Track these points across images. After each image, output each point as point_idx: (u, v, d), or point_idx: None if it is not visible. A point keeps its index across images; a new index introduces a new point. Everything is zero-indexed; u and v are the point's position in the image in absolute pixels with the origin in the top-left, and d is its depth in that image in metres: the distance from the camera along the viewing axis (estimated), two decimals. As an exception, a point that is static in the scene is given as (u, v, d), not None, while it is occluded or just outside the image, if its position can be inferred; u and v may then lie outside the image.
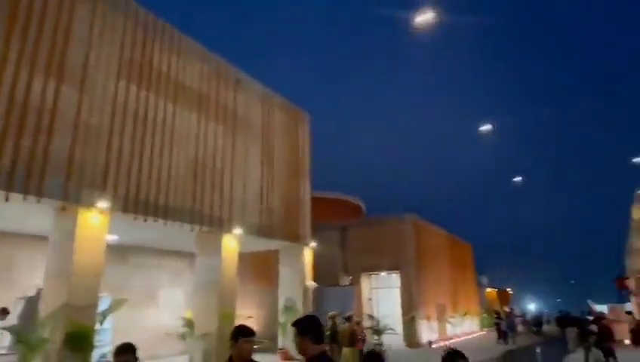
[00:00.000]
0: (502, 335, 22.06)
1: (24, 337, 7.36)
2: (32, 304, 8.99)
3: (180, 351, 13.36)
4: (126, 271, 14.17)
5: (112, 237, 11.54)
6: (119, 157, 9.09)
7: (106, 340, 9.67)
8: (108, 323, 9.98)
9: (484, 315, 31.27)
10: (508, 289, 48.02)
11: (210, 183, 11.36)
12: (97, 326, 8.45)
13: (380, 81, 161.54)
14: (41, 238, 10.04)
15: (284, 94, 15.36)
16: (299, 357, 2.71)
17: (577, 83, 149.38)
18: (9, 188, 7.25)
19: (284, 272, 14.77)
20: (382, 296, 22.00)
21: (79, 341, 7.58)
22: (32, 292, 9.71)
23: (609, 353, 12.09)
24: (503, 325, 22.41)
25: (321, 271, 17.19)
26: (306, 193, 15.61)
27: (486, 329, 29.44)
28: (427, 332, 20.12)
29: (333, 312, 12.29)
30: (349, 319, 11.24)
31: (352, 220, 25.32)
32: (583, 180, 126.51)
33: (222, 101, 12.28)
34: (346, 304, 17.47)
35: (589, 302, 29.51)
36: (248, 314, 14.34)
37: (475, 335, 26.59)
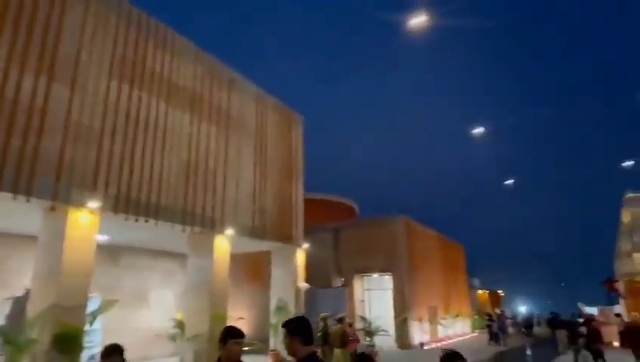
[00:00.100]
0: (493, 337, 22.22)
1: (12, 338, 7.26)
2: (20, 304, 8.87)
3: (171, 352, 13.27)
4: (117, 271, 14.07)
5: (102, 238, 11.45)
6: (110, 157, 9.01)
7: (95, 341, 9.58)
8: (98, 324, 9.88)
9: (476, 317, 31.44)
10: (499, 291, 48.31)
11: (202, 184, 11.31)
12: (87, 327, 8.36)
13: (375, 82, 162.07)
14: (32, 238, 9.93)
15: (278, 95, 15.36)
16: (290, 358, 2.70)
17: (570, 86, 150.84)
18: (-2, 187, 7.16)
19: (277, 273, 14.73)
20: (374, 298, 22.04)
21: (68, 342, 7.49)
22: (20, 293, 9.59)
23: (598, 355, 12.22)
24: (494, 327, 22.57)
25: (313, 273, 17.19)
26: (299, 194, 15.61)
27: (477, 330, 29.60)
28: (419, 333, 20.18)
29: (325, 314, 12.29)
30: (340, 320, 11.24)
31: (345, 222, 25.36)
32: (574, 184, 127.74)
33: (215, 101, 12.24)
34: (339, 305, 17.49)
35: (580, 304, 29.79)
36: (240, 316, 14.27)
37: (466, 337, 26.71)
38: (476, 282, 39.25)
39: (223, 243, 11.80)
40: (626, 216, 25.86)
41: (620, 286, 23.47)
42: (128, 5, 10.05)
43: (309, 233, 16.41)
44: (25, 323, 7.68)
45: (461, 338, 25.03)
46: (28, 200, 7.60)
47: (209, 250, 11.44)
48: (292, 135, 15.78)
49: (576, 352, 14.42)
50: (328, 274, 21.04)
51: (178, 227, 10.55)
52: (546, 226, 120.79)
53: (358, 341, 12.06)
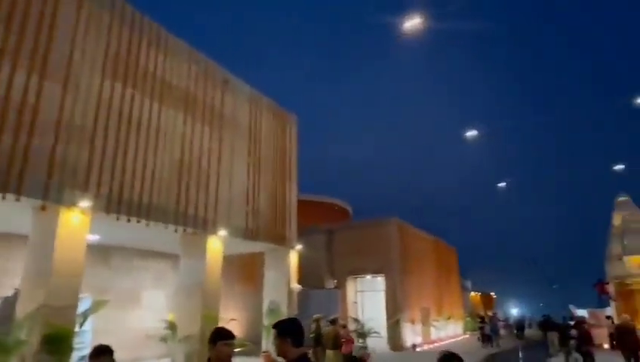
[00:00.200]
0: (486, 339, 22.34)
1: (0, 339, 7.17)
2: (9, 305, 8.77)
3: (162, 353, 13.19)
4: (108, 272, 13.96)
5: (93, 237, 11.37)
6: (102, 157, 8.94)
7: (86, 342, 9.48)
8: (88, 325, 9.80)
9: (468, 319, 31.56)
10: (491, 294, 48.57)
11: (195, 184, 11.26)
12: (77, 328, 8.28)
13: (371, 83, 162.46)
14: (23, 237, 9.82)
15: (273, 95, 15.34)
16: (281, 359, 2.69)
17: (564, 89, 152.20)
18: (-13, 185, 7.08)
19: (269, 275, 14.69)
20: (367, 299, 22.06)
21: (57, 343, 7.41)
22: (9, 293, 9.48)
23: (588, 356, 12.31)
24: (486, 329, 22.68)
25: (306, 274, 17.17)
26: (293, 195, 15.58)
27: (469, 332, 29.70)
28: (411, 335, 20.22)
29: (318, 315, 12.27)
30: (333, 322, 11.22)
31: (338, 223, 25.36)
32: (567, 187, 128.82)
33: (209, 101, 12.19)
34: (331, 307, 17.48)
35: (571, 306, 29.99)
36: (232, 317, 14.22)
37: (458, 338, 26.80)
38: (468, 284, 39.43)
39: (216, 244, 11.75)
40: (617, 219, 26.08)
41: (611, 288, 23.65)
42: (122, 3, 9.99)
43: (303, 234, 16.38)
44: (14, 324, 7.59)
45: (453, 340, 25.11)
46: (18, 200, 7.51)
47: (201, 250, 11.39)
48: (286, 136, 15.76)
49: (567, 354, 14.53)
50: (321, 276, 21.02)
51: (170, 227, 10.49)
52: (538, 229, 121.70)
53: (352, 342, 12.06)
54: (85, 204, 8.32)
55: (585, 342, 12.62)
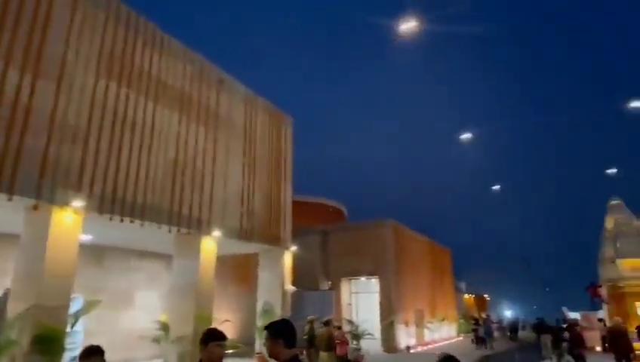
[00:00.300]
0: (480, 341, 22.43)
1: (-10, 339, 7.10)
2: None
3: (155, 354, 13.12)
4: (101, 272, 13.88)
5: (86, 237, 11.29)
6: (96, 156, 8.88)
7: (77, 342, 9.42)
8: (80, 326, 9.73)
9: (462, 321, 31.63)
10: (485, 296, 48.74)
11: (189, 184, 11.21)
12: (68, 329, 8.21)
13: (366, 85, 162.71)
14: (15, 237, 9.73)
15: (269, 96, 15.32)
16: (273, 361, 2.67)
17: (558, 93, 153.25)
18: (-21, 184, 7.02)
19: (264, 276, 14.66)
20: (361, 301, 22.06)
21: (48, 343, 7.35)
22: None
23: (580, 359, 12.38)
24: (480, 331, 22.77)
25: (301, 275, 17.14)
26: (288, 196, 15.56)
27: (463, 334, 29.77)
28: (405, 337, 20.23)
29: (312, 316, 12.27)
30: (327, 323, 11.21)
31: (333, 225, 25.35)
32: (560, 190, 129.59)
33: (204, 101, 12.16)
34: (325, 308, 17.45)
35: (564, 309, 30.15)
36: (226, 318, 14.15)
37: (452, 340, 26.86)
38: (462, 286, 39.54)
39: (210, 245, 11.71)
40: (609, 223, 26.26)
41: (603, 291, 23.80)
42: (117, 3, 9.94)
43: (297, 235, 16.35)
44: (4, 324, 7.52)
45: (447, 342, 25.16)
46: (10, 199, 7.45)
47: (195, 251, 11.34)
48: (281, 136, 15.74)
49: (560, 356, 14.61)
50: (316, 277, 21.00)
51: (164, 228, 10.44)
52: (532, 231, 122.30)
53: (347, 343, 12.06)
54: (78, 203, 8.26)
55: (577, 345, 12.70)
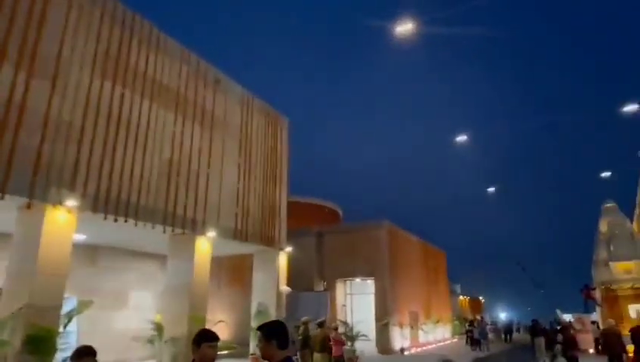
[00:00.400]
0: (475, 343, 22.53)
1: (-19, 339, 7.03)
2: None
3: (149, 355, 13.04)
4: (94, 272, 13.79)
5: (80, 237, 11.22)
6: (90, 155, 8.83)
7: (70, 343, 9.33)
8: (73, 326, 9.65)
9: (456, 323, 31.69)
10: (480, 298, 48.89)
11: (184, 184, 11.17)
12: (61, 329, 8.15)
13: (362, 88, 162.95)
14: (8, 236, 9.65)
15: (265, 97, 15.30)
16: (266, 362, 2.66)
17: (552, 97, 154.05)
18: (-29, 183, 6.95)
19: (258, 276, 14.62)
20: (356, 302, 22.05)
21: (40, 343, 7.29)
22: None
23: (573, 361, 12.43)
24: (475, 333, 22.86)
25: (296, 276, 17.11)
26: (283, 197, 15.54)
27: (457, 336, 29.84)
28: (400, 338, 20.24)
29: (306, 318, 12.24)
30: (321, 324, 11.19)
31: (328, 226, 25.34)
32: (555, 193, 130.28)
33: (200, 101, 12.12)
34: (320, 309, 17.42)
35: (558, 311, 30.30)
36: (220, 319, 14.13)
37: (447, 342, 26.90)
38: (457, 288, 39.64)
39: (205, 245, 11.66)
40: (603, 226, 26.44)
41: (597, 294, 23.94)
42: (113, 2, 9.90)
43: (293, 236, 16.33)
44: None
45: (441, 344, 25.20)
46: (2, 198, 7.38)
47: (190, 251, 11.29)
48: (277, 137, 15.72)
49: (553, 358, 14.66)
50: (311, 278, 20.97)
51: (158, 228, 10.39)
52: (526, 234, 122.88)
53: (343, 344, 12.05)
54: (72, 202, 8.20)
55: (570, 347, 12.76)
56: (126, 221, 9.50)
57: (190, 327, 10.47)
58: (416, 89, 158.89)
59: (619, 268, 24.34)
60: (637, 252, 24.47)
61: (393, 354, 18.94)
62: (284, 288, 14.70)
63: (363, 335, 16.63)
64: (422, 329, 23.52)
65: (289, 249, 15.27)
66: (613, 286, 23.35)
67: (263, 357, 2.63)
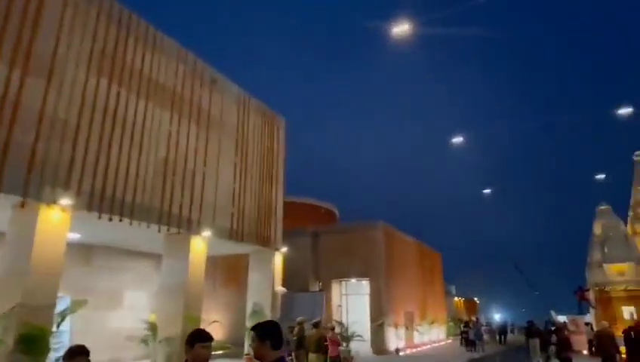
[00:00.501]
0: (470, 344, 22.61)
1: (-27, 338, 6.98)
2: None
3: (143, 354, 12.99)
4: (89, 271, 13.72)
5: (74, 236, 11.17)
6: (85, 153, 8.78)
7: (64, 342, 9.29)
8: (67, 325, 9.61)
9: (451, 324, 31.77)
10: (475, 299, 49.04)
11: (180, 184, 11.13)
12: (54, 328, 8.10)
13: (360, 87, 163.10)
14: (0, 234, 9.60)
15: (262, 97, 15.28)
16: (258, 362, 2.65)
17: (548, 99, 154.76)
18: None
19: (254, 277, 14.59)
20: (351, 303, 22.06)
21: (33, 343, 7.24)
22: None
23: (567, 362, 12.49)
24: (470, 334, 22.94)
25: (291, 276, 17.09)
26: (279, 197, 15.52)
27: (452, 337, 29.91)
28: (395, 339, 20.26)
29: (301, 318, 12.24)
30: (316, 325, 11.19)
31: (324, 226, 25.34)
32: (550, 195, 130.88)
33: (196, 101, 12.09)
34: (315, 310, 17.43)
35: (552, 312, 30.44)
36: (215, 319, 14.08)
37: (442, 343, 26.95)
38: (452, 289, 39.74)
39: (200, 245, 11.63)
40: (597, 228, 26.58)
41: (591, 295, 24.08)
42: (109, 0, 9.86)
43: (288, 236, 16.31)
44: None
45: (436, 345, 25.25)
46: (-4, 196, 7.34)
47: (185, 251, 11.25)
48: (274, 137, 15.71)
49: (547, 359, 14.73)
50: (306, 278, 20.96)
51: (154, 227, 10.35)
52: (521, 236, 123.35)
53: (339, 344, 12.08)
54: (66, 201, 8.16)
55: (564, 348, 12.81)
56: (121, 220, 9.46)
57: (185, 327, 10.44)
58: (413, 89, 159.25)
59: (612, 270, 24.49)
60: (630, 254, 24.64)
61: (388, 355, 18.96)
62: (280, 288, 14.68)
63: (358, 336, 16.65)
64: (417, 330, 23.56)
65: (285, 249, 15.25)
66: (607, 288, 23.49)
67: (256, 357, 2.63)
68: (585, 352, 20.42)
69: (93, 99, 9.11)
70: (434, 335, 26.64)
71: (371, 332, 19.35)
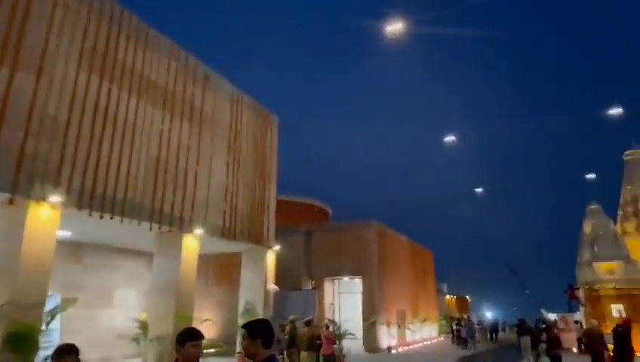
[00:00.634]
0: (462, 342, 22.79)
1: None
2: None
3: (134, 353, 12.92)
4: (79, 269, 13.62)
5: (65, 234, 11.07)
6: (76, 150, 8.69)
7: (54, 341, 9.21)
8: (57, 324, 9.52)
9: (443, 322, 31.95)
10: (466, 297, 49.36)
11: (172, 182, 11.06)
12: (44, 327, 8.03)
13: (354, 86, 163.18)
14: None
15: (255, 95, 15.22)
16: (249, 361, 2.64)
17: (537, 100, 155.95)
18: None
19: (246, 275, 14.56)
20: (344, 301, 22.10)
21: (22, 341, 7.16)
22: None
23: (557, 360, 12.61)
24: (463, 332, 23.11)
25: (284, 275, 17.07)
26: (272, 195, 15.49)
27: (444, 335, 30.10)
28: (387, 337, 20.34)
29: (293, 316, 12.24)
30: (308, 323, 11.20)
31: (317, 225, 25.34)
32: (540, 194, 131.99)
33: (189, 98, 12.01)
34: (308, 308, 17.43)
35: (543, 311, 30.73)
36: (207, 317, 14.02)
37: (433, 341, 27.10)
38: (444, 287, 39.95)
39: (192, 243, 11.58)
40: (587, 227, 26.85)
41: (581, 293, 24.32)
42: (101, -4, 9.76)
43: (281, 235, 16.29)
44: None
45: (428, 343, 25.39)
46: (-16, 193, 7.24)
47: (177, 249, 11.20)
48: (267, 135, 15.67)
49: (537, 357, 14.87)
50: (299, 277, 20.95)
51: (145, 225, 10.28)
52: (513, 235, 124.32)
53: (334, 342, 12.12)
54: (56, 198, 8.08)
55: (554, 346, 12.93)
56: (112, 218, 9.39)
57: (176, 326, 10.39)
58: (411, 89, 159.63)
59: (602, 268, 24.74)
60: (620, 253, 24.91)
61: (380, 353, 19.03)
62: (272, 286, 14.66)
63: (350, 334, 16.68)
64: (409, 328, 23.67)
65: (277, 247, 15.23)
66: (596, 287, 23.74)
67: (247, 355, 2.62)
68: (574, 350, 20.64)
69: (84, 96, 9.02)
70: (426, 333, 26.78)
71: (364, 330, 19.40)
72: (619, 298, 22.63)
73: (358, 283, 21.04)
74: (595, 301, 23.32)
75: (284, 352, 11.48)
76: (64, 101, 8.60)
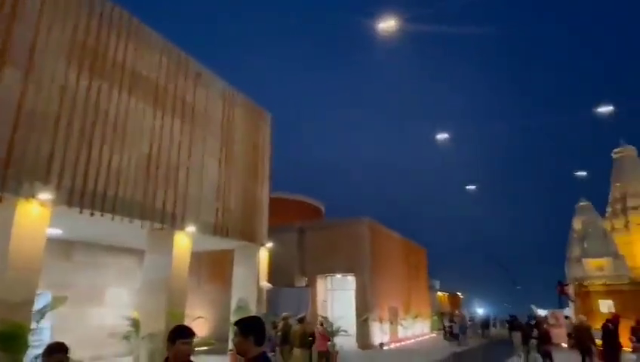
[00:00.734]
0: (453, 337, 22.97)
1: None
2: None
3: (125, 351, 12.86)
4: (70, 267, 13.51)
5: (55, 231, 10.96)
6: (66, 147, 8.60)
7: (44, 339, 9.13)
8: (47, 322, 9.44)
9: (435, 318, 32.17)
10: (458, 294, 49.72)
11: (164, 179, 10.99)
12: (34, 325, 7.95)
13: (347, 85, 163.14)
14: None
15: (249, 93, 15.15)
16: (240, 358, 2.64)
17: (531, 99, 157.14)
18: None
19: (239, 272, 14.54)
20: (337, 298, 22.17)
21: (11, 340, 7.09)
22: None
23: (547, 355, 12.77)
24: (455, 328, 23.29)
25: (277, 272, 17.08)
26: (265, 193, 15.45)
27: (436, 331, 30.31)
28: (379, 334, 20.44)
29: (286, 313, 12.25)
30: (301, 320, 11.21)
31: (309, 222, 25.36)
32: (531, 191, 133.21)
33: (180, 95, 11.93)
34: (301, 305, 17.44)
35: (533, 306, 31.05)
36: (199, 315, 14.01)
37: (425, 337, 27.28)
38: (436, 284, 40.19)
39: (184, 240, 11.52)
40: (577, 224, 27.16)
41: (570, 290, 24.61)
42: (91, -9, 9.63)
43: (274, 232, 16.28)
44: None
45: (420, 339, 25.55)
46: (-28, 190, 7.14)
47: (168, 246, 11.14)
48: (260, 132, 15.62)
49: (527, 353, 15.03)
50: (292, 274, 20.97)
51: (137, 222, 10.21)
52: (503, 231, 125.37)
53: (328, 339, 12.15)
54: (45, 196, 7.99)
55: (544, 341, 13.08)
56: (102, 215, 9.31)
57: (168, 323, 10.34)
58: (408, 88, 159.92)
59: (591, 264, 25.07)
60: (609, 249, 25.26)
61: (372, 349, 19.13)
62: (265, 284, 14.65)
63: (343, 331, 16.74)
64: (401, 325, 23.80)
65: (270, 244, 15.22)
66: (586, 283, 24.04)
67: (238, 352, 2.62)
68: (564, 345, 20.90)
69: (74, 93, 8.91)
70: (418, 329, 26.95)
71: (357, 327, 19.48)
72: (608, 293, 22.93)
73: (351, 280, 21.10)
74: (585, 297, 23.61)
75: (277, 349, 11.48)
76: (53, 97, 8.49)
